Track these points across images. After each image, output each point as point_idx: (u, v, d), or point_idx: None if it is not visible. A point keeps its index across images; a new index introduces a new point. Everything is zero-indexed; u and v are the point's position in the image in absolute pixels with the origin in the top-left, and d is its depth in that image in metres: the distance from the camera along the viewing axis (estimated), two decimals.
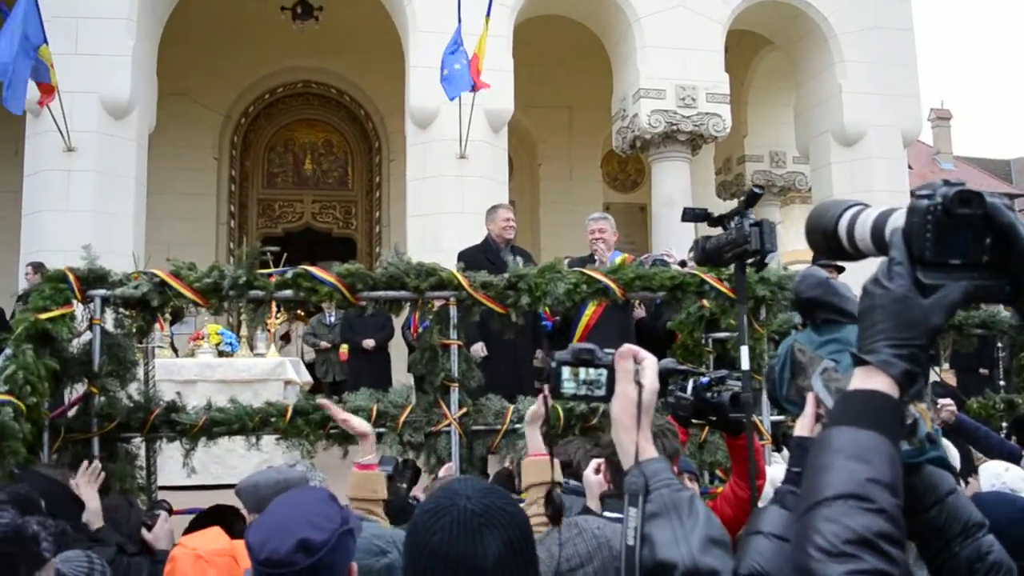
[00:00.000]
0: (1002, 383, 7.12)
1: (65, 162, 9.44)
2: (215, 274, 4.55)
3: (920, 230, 1.11)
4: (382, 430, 4.59)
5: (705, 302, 5.19)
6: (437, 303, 4.87)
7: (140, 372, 4.77)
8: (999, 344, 7.09)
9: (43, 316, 4.14)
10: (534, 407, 3.08)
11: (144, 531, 3.55)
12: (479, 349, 4.98)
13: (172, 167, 13.32)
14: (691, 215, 3.13)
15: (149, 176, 10.40)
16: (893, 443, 1.07)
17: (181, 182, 13.77)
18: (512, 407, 4.83)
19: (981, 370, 8.98)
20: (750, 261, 2.86)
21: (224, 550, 2.54)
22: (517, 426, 4.71)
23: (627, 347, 1.45)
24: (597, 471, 2.93)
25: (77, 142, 9.40)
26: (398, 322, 9.17)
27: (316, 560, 1.79)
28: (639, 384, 1.40)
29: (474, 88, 9.07)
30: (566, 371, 1.49)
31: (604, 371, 1.47)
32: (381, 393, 4.78)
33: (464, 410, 4.71)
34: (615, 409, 1.41)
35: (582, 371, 1.48)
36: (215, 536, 2.63)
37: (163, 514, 3.69)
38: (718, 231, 2.98)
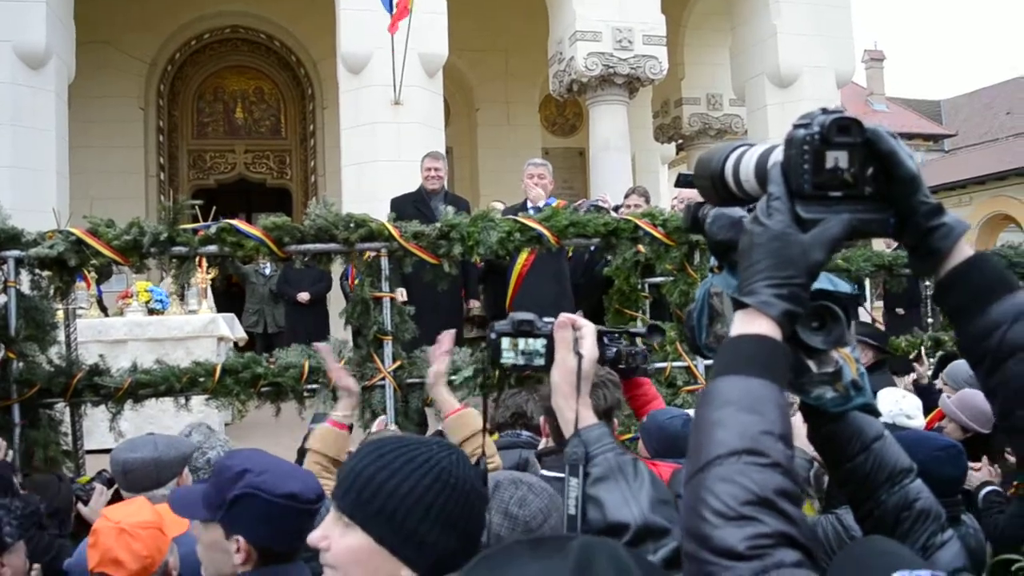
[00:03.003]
0: (930, 321, 7.30)
1: None
2: (134, 231, 4.39)
3: (798, 162, 1.05)
4: (314, 386, 4.52)
5: (640, 247, 5.18)
6: (368, 255, 4.78)
7: (61, 335, 4.61)
8: (926, 283, 7.25)
9: None
10: (434, 367, 3.01)
11: (80, 506, 3.45)
12: (399, 295, 4.92)
13: (96, 119, 12.85)
14: (685, 181, 3.04)
15: (72, 129, 10.00)
16: (780, 389, 1.03)
17: (106, 134, 13.30)
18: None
19: (897, 309, 9.24)
20: None
21: (149, 522, 2.46)
22: (452, 378, 4.67)
23: (565, 316, 1.45)
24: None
25: None
26: (336, 273, 9.04)
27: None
28: (578, 354, 1.40)
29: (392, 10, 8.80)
30: (506, 341, 1.49)
31: (544, 341, 1.47)
32: (312, 348, 4.69)
33: (398, 363, 4.65)
34: (555, 378, 1.42)
35: (521, 341, 1.48)
36: (139, 507, 2.54)
37: (99, 487, 3.57)
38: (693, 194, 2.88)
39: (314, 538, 1.37)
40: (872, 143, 1.06)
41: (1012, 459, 3.96)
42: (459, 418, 2.91)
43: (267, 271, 10.09)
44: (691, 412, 3.22)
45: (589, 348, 1.41)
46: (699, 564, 0.95)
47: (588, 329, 1.43)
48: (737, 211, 2.00)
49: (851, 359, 1.64)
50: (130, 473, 3.01)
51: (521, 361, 1.48)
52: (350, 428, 3.02)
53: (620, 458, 1.35)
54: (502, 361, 1.49)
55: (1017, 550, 2.53)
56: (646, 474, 1.35)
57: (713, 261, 2.09)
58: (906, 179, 1.08)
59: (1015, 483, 3.58)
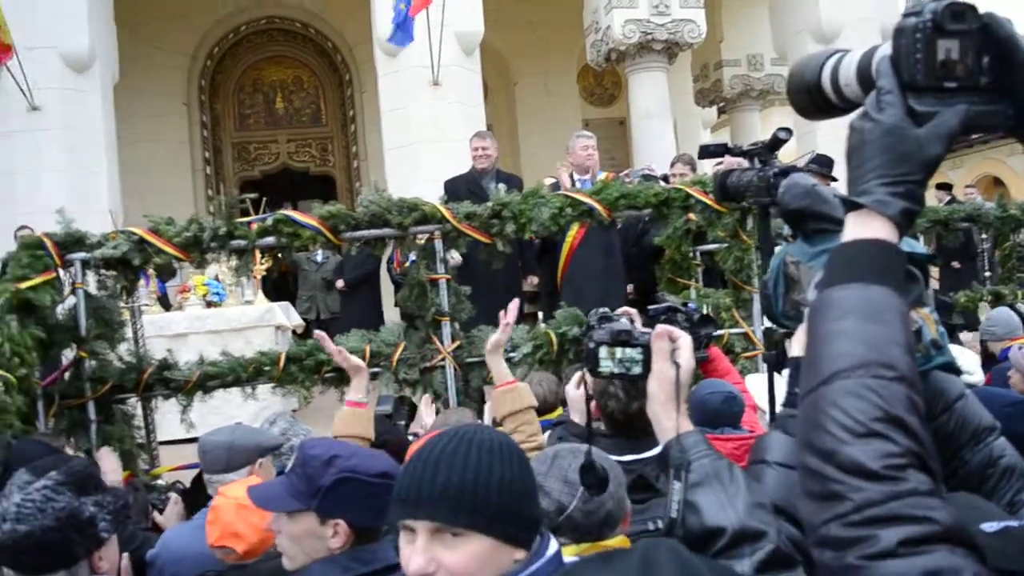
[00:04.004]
0: (987, 275, 7.16)
1: (31, 121, 9.22)
2: (194, 227, 4.48)
3: (909, 52, 0.99)
4: (377, 369, 4.59)
5: (692, 215, 5.15)
6: (422, 238, 4.82)
7: (129, 332, 4.73)
8: (983, 236, 7.11)
9: (23, 285, 4.08)
10: (495, 336, 3.04)
11: (156, 514, 3.56)
12: (453, 256, 4.97)
13: (141, 116, 13.04)
14: (708, 152, 2.98)
15: (119, 128, 10.18)
16: (901, 296, 0.96)
17: (152, 131, 13.50)
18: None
19: (953, 264, 9.05)
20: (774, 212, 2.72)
21: None
22: (511, 355, 4.71)
23: (663, 328, 1.49)
24: (579, 385, 2.92)
25: (41, 99, 9.17)
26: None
27: None
28: (676, 364, 1.45)
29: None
30: (603, 351, 1.52)
31: (640, 350, 1.50)
32: (373, 333, 4.76)
33: (457, 343, 4.70)
34: (652, 387, 1.46)
35: (619, 351, 1.51)
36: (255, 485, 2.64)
37: (174, 496, 3.68)
38: (737, 162, 2.81)
39: (417, 567, 1.29)
40: (988, 29, 0.99)
41: None
42: (511, 391, 2.94)
43: (319, 258, 10.19)
44: (733, 388, 3.23)
45: (686, 359, 1.46)
46: (823, 481, 0.90)
47: (685, 340, 1.48)
48: (809, 179, 1.98)
49: (930, 319, 1.63)
50: (206, 454, 3.11)
51: (618, 370, 1.52)
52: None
53: (716, 463, 1.39)
54: (600, 370, 1.53)
55: None
56: (741, 479, 1.39)
57: (787, 230, 2.07)
58: None
59: None
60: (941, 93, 1.00)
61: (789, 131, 2.59)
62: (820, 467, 0.91)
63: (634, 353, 1.50)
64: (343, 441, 2.08)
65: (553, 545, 1.38)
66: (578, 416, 2.91)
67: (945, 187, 11.41)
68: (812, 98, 1.18)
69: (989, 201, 7.51)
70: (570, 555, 1.79)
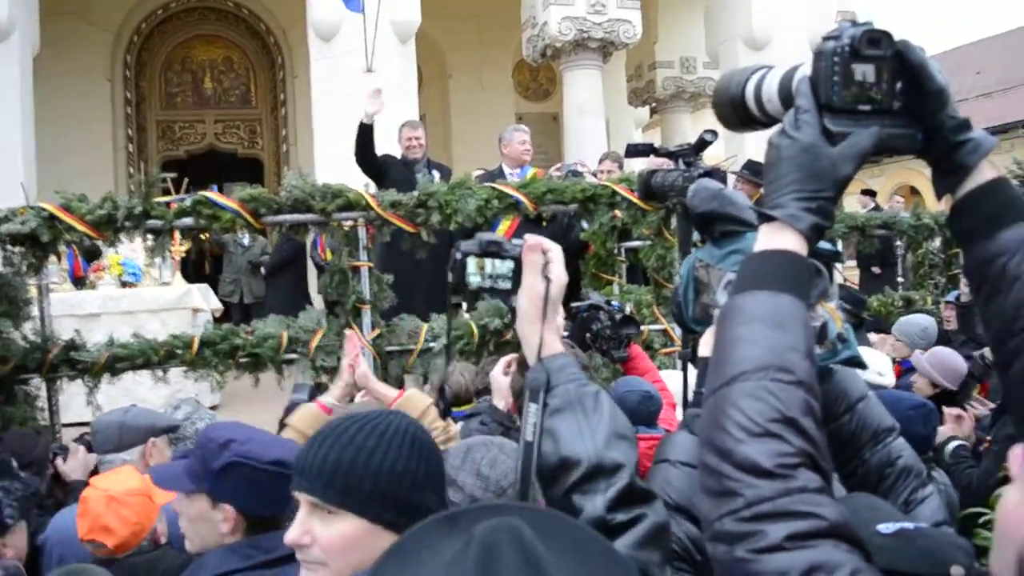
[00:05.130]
0: (901, 280, 7.40)
1: None
2: (108, 205, 4.36)
3: (827, 74, 1.04)
4: (293, 356, 4.52)
5: (617, 212, 5.20)
6: (346, 224, 4.77)
7: (35, 311, 4.57)
8: (898, 243, 7.34)
9: None
10: (360, 369, 2.85)
11: (58, 461, 3.44)
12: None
13: (61, 92, 12.58)
14: (634, 151, 3.00)
15: (37, 103, 9.78)
16: (806, 305, 1.01)
17: (72, 108, 13.03)
18: (426, 326, 4.81)
19: (873, 268, 9.33)
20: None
21: (138, 489, 2.48)
22: (431, 345, 4.70)
23: (535, 239, 1.39)
24: (507, 371, 2.91)
25: None
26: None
27: None
28: (547, 278, 1.35)
29: None
30: (472, 263, 1.43)
31: (511, 264, 1.41)
32: (291, 318, 4.69)
33: (377, 331, 4.66)
34: (521, 302, 1.37)
35: (488, 263, 1.42)
36: (127, 475, 2.56)
37: (76, 446, 3.56)
38: (662, 162, 2.83)
39: (293, 536, 1.33)
40: (902, 56, 1.04)
41: (984, 409, 4.05)
42: (405, 402, 2.89)
43: (245, 241, 10.00)
44: (651, 387, 3.27)
45: (558, 272, 1.36)
46: (719, 478, 0.94)
47: (556, 253, 1.38)
48: (717, 183, 2.01)
49: (836, 313, 1.66)
50: (97, 434, 3.07)
51: (487, 284, 1.43)
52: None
53: (581, 390, 1.31)
54: (468, 283, 1.43)
55: (986, 504, 2.59)
56: (607, 407, 1.30)
57: (696, 235, 2.10)
58: (936, 93, 1.06)
59: (987, 438, 3.66)
60: (855, 115, 1.04)
61: (715, 133, 2.64)
62: (718, 465, 0.94)
63: (504, 266, 1.41)
64: (251, 427, 2.01)
65: None
66: (502, 402, 2.91)
67: (870, 193, 11.73)
68: (736, 111, 1.22)
69: (905, 211, 7.76)
70: None
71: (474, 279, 1.43)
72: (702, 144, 2.65)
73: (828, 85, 1.04)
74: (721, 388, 0.98)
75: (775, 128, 1.10)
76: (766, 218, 1.05)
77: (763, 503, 0.89)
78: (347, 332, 3.36)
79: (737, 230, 1.88)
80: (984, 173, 1.10)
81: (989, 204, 1.09)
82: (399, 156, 7.23)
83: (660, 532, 1.24)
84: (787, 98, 1.12)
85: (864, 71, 1.04)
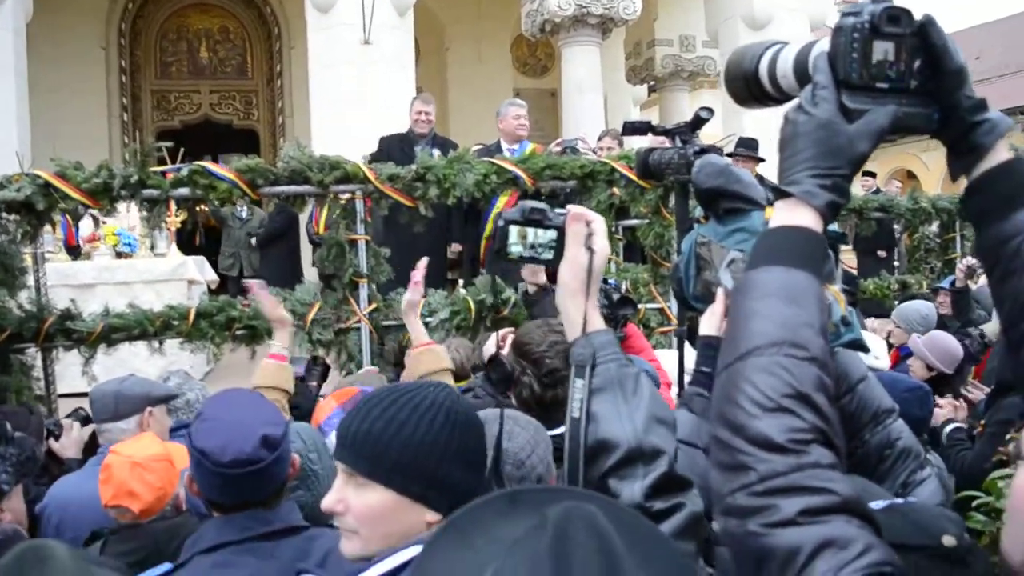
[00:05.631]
0: (896, 264, 7.41)
1: None
2: (104, 173, 4.33)
3: (846, 50, 1.03)
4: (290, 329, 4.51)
5: (615, 190, 5.18)
6: (343, 197, 4.74)
7: (31, 279, 4.54)
8: (896, 227, 7.34)
9: None
10: (408, 295, 3.01)
11: (51, 440, 3.45)
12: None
13: (56, 59, 12.47)
14: (632, 128, 2.98)
15: (31, 70, 9.68)
16: (820, 282, 1.01)
17: (67, 75, 12.90)
18: (423, 300, 4.79)
19: (879, 252, 9.30)
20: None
21: (160, 455, 2.49)
22: (428, 319, 4.69)
23: (578, 209, 1.36)
24: (501, 345, 2.91)
25: None
26: (303, 217, 8.93)
27: (277, 454, 1.86)
28: (590, 249, 1.31)
29: None
30: (513, 232, 1.38)
31: (554, 233, 1.37)
32: (288, 292, 4.67)
33: (374, 305, 4.65)
34: (563, 274, 1.33)
35: (530, 232, 1.38)
36: (149, 442, 2.56)
37: (71, 423, 3.57)
38: (660, 140, 2.81)
39: (328, 503, 1.36)
40: (922, 34, 1.04)
41: (979, 394, 4.06)
42: (427, 352, 2.92)
43: (244, 214, 9.96)
44: (649, 366, 3.27)
45: (601, 244, 1.33)
46: (731, 452, 0.94)
47: (600, 224, 1.34)
48: (724, 159, 2.00)
49: (840, 296, 1.66)
50: (95, 403, 3.06)
51: (528, 253, 1.39)
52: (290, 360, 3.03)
53: (622, 370, 1.27)
54: (508, 251, 1.39)
55: (980, 487, 2.60)
56: (647, 390, 1.28)
57: (699, 211, 2.08)
58: (954, 72, 1.05)
59: (982, 421, 3.68)
60: (873, 92, 1.04)
61: (711, 111, 2.62)
62: (730, 439, 0.94)
63: (547, 236, 1.37)
64: (241, 403, 1.99)
65: None
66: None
67: (870, 173, 11.72)
68: (749, 87, 1.21)
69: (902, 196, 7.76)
70: None
71: (515, 248, 1.39)
72: (698, 121, 2.63)
73: (847, 61, 1.03)
74: (735, 363, 0.98)
75: (792, 103, 1.09)
76: (782, 194, 1.04)
77: (776, 478, 0.90)
78: (249, 283, 3.44)
79: (742, 208, 1.87)
80: (1000, 154, 1.09)
81: (1004, 185, 1.08)
82: (407, 130, 7.19)
83: (696, 522, 1.23)
84: (802, 74, 1.11)
85: (884, 48, 1.03)
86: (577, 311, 1.30)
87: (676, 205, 2.67)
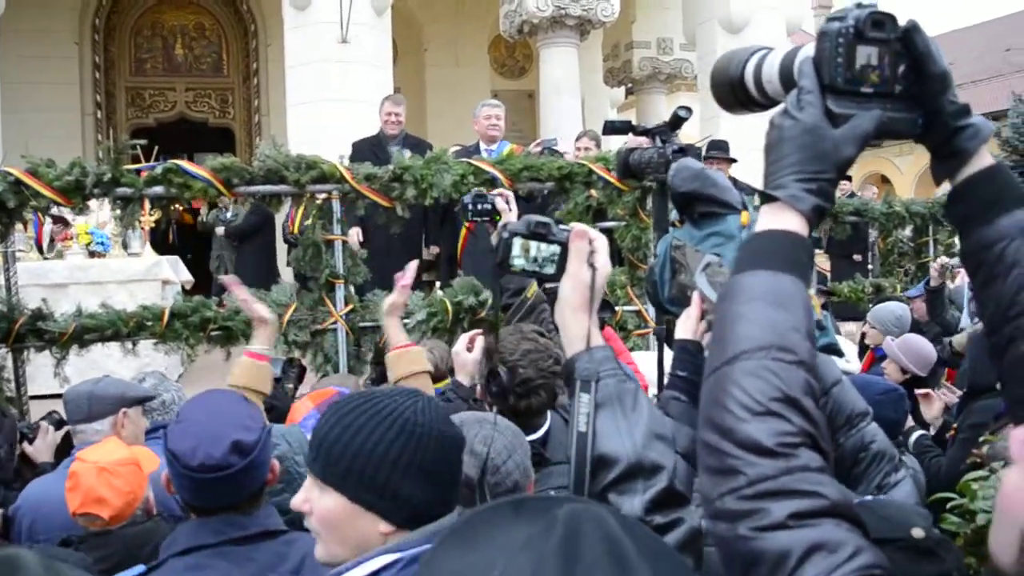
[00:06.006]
0: (870, 268, 7.48)
1: None
2: (77, 171, 4.27)
3: (831, 55, 1.03)
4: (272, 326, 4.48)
5: (593, 192, 5.19)
6: (319, 197, 4.71)
7: (1, 279, 4.48)
8: (870, 230, 7.40)
9: None
10: (392, 297, 3.00)
11: (25, 444, 3.39)
12: (355, 235, 4.87)
13: (28, 55, 12.31)
14: (612, 128, 2.98)
15: (2, 66, 9.57)
16: (806, 286, 1.02)
17: (40, 71, 12.74)
18: None
19: (854, 256, 9.36)
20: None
21: (127, 459, 2.46)
22: (405, 321, 4.66)
23: (582, 227, 1.38)
24: (470, 347, 2.90)
25: None
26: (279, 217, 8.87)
27: (250, 460, 1.83)
28: (592, 267, 1.33)
29: None
30: (517, 244, 1.39)
31: (557, 248, 1.38)
32: (264, 292, 4.63)
33: (350, 307, 4.62)
34: (565, 290, 1.34)
35: (533, 246, 1.38)
36: (114, 447, 2.53)
37: (44, 426, 3.51)
38: (641, 140, 2.81)
39: (296, 502, 1.38)
40: (906, 39, 1.04)
41: (952, 396, 4.11)
42: (405, 354, 2.89)
43: (229, 215, 9.89)
44: (628, 369, 3.26)
45: (603, 262, 1.34)
46: (720, 456, 0.94)
47: (602, 242, 1.36)
48: (698, 163, 1.99)
49: (815, 300, 1.66)
50: (68, 403, 3.03)
51: (530, 267, 1.39)
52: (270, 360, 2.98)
53: (621, 386, 1.29)
54: (512, 264, 1.40)
55: (954, 489, 2.63)
56: (645, 406, 1.29)
57: (675, 215, 2.08)
58: (938, 77, 1.06)
59: (954, 425, 3.71)
60: (858, 97, 1.04)
61: (689, 110, 2.62)
62: (718, 443, 0.94)
63: (550, 250, 1.38)
64: (218, 405, 1.97)
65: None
66: (466, 378, 2.90)
67: (846, 178, 11.80)
68: (735, 93, 1.21)
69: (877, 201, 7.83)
70: None
71: (518, 261, 1.40)
72: (677, 121, 2.63)
73: (832, 66, 1.04)
74: (722, 367, 0.98)
75: (778, 108, 1.09)
76: (767, 198, 1.05)
77: (765, 481, 0.90)
78: (225, 279, 3.35)
79: (717, 212, 1.87)
80: (983, 159, 1.10)
81: (988, 190, 1.09)
82: (377, 132, 7.16)
83: (696, 538, 1.24)
84: (788, 79, 1.12)
85: (868, 53, 1.04)
86: (580, 327, 1.32)
87: (655, 206, 2.67)
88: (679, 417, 1.59)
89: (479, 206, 3.17)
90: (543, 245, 1.38)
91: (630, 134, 2.97)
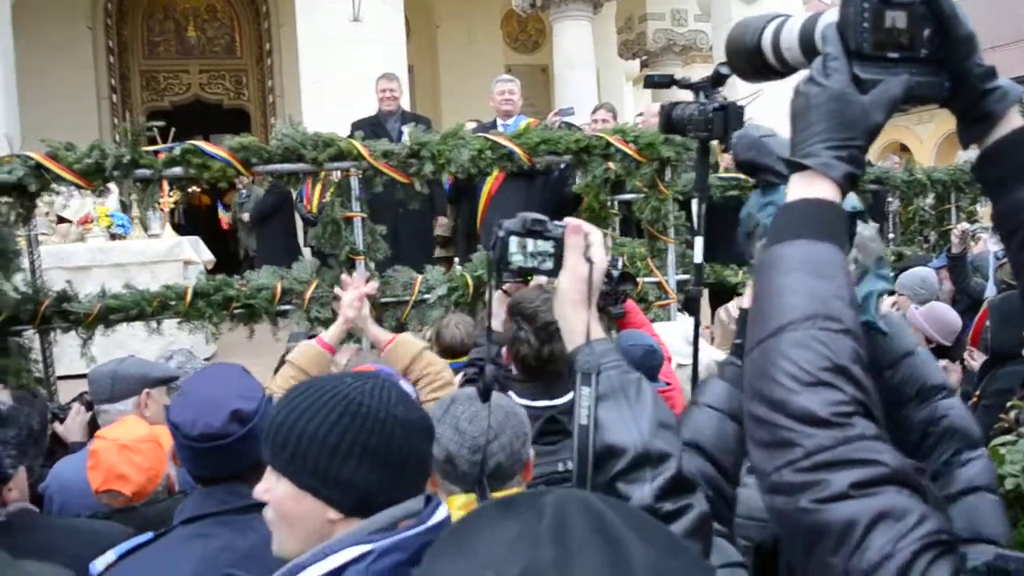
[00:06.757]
0: (891, 236, 7.43)
1: None
2: (96, 153, 4.29)
3: (856, 20, 1.02)
4: (288, 307, 4.51)
5: (611, 164, 5.16)
6: (336, 175, 4.72)
7: (25, 262, 4.52)
8: (889, 199, 7.35)
9: None
10: (362, 312, 2.98)
11: (56, 424, 3.44)
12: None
13: (42, 41, 12.33)
14: (653, 82, 2.94)
15: (17, 52, 9.59)
16: (844, 253, 1.01)
17: (54, 56, 12.76)
18: (420, 277, 4.79)
19: (872, 223, 9.29)
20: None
21: (147, 436, 2.48)
22: (426, 296, 4.69)
23: (576, 222, 1.38)
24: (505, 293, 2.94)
25: None
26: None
27: (249, 429, 1.84)
28: (589, 260, 1.33)
29: None
30: (514, 242, 1.39)
31: (553, 243, 1.38)
32: (285, 270, 4.66)
33: (369, 289, 4.63)
34: (563, 285, 1.35)
35: (530, 242, 1.39)
36: (134, 424, 2.56)
37: (76, 406, 3.55)
38: (685, 94, 2.78)
39: (258, 492, 1.34)
40: (932, 3, 1.03)
41: (974, 364, 4.09)
42: (396, 347, 2.90)
43: (244, 194, 9.93)
44: (653, 341, 3.27)
45: (599, 256, 1.35)
46: (772, 429, 0.93)
47: (597, 236, 1.37)
48: (760, 128, 1.97)
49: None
50: (93, 383, 3.07)
51: (529, 264, 1.40)
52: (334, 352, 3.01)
53: (624, 377, 1.29)
54: (510, 261, 1.40)
55: None
56: (649, 395, 1.29)
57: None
58: (964, 40, 1.04)
59: (976, 393, 3.70)
60: (884, 62, 1.03)
61: (729, 67, 2.57)
62: (769, 415, 0.94)
63: (547, 246, 1.38)
64: (224, 377, 1.98)
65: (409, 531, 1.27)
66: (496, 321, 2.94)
67: None
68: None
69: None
70: (457, 506, 1.76)
71: (516, 258, 1.40)
72: (719, 78, 2.59)
73: (858, 31, 1.02)
74: (768, 339, 0.97)
75: (802, 76, 1.08)
76: (797, 167, 1.04)
77: (822, 452, 0.89)
78: (344, 278, 3.33)
79: (773, 181, 1.86)
80: (1013, 120, 1.09)
81: (1021, 151, 1.08)
82: (376, 112, 7.15)
83: (705, 523, 1.24)
84: (809, 46, 1.11)
85: (893, 17, 1.03)
86: (579, 320, 1.32)
87: (697, 163, 2.64)
88: (732, 380, 1.58)
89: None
90: (540, 242, 1.39)
91: (672, 87, 2.93)
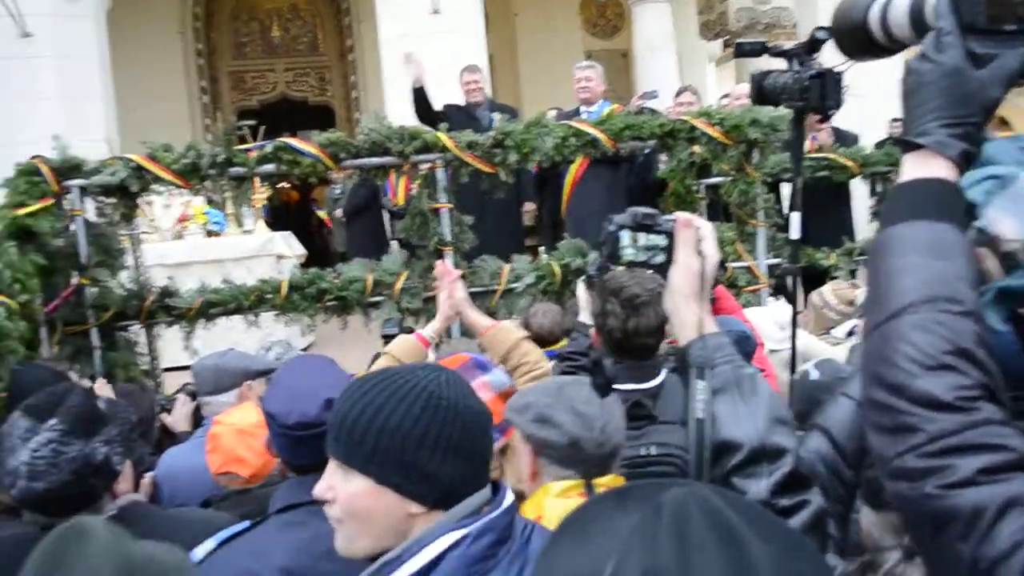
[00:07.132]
0: None
1: (24, 48, 9.03)
2: (192, 154, 4.45)
3: None
4: (379, 298, 4.59)
5: (696, 148, 5.10)
6: (423, 167, 4.79)
7: (129, 260, 4.72)
8: None
9: (21, 212, 4.05)
10: (457, 296, 2.90)
11: (164, 415, 3.58)
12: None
13: (135, 45, 12.78)
14: (744, 51, 2.83)
15: (112, 57, 9.98)
16: (963, 233, 0.98)
17: (146, 61, 13.24)
18: (508, 266, 4.82)
19: None
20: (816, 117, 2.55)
21: (262, 422, 2.56)
22: (514, 285, 4.72)
23: (687, 215, 1.37)
24: (590, 286, 2.96)
25: (33, 26, 8.96)
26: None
27: None
28: (701, 254, 1.33)
29: None
30: (625, 236, 1.38)
31: (665, 238, 1.37)
32: (375, 262, 4.75)
33: (460, 273, 4.68)
34: (675, 278, 1.33)
35: (641, 236, 1.38)
36: (250, 410, 2.65)
37: (182, 397, 3.69)
38: (778, 63, 2.68)
39: (319, 491, 1.32)
40: None
41: None
42: (496, 333, 2.88)
43: (337, 192, 10.16)
44: (746, 327, 3.21)
45: (712, 250, 1.34)
46: (893, 414, 0.91)
47: (709, 230, 1.35)
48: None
49: None
50: (197, 376, 3.17)
51: (641, 257, 1.38)
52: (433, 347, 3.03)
53: (739, 371, 1.27)
54: (622, 256, 1.39)
55: None
56: (765, 391, 1.27)
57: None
58: None
59: None
60: (1000, 36, 1.00)
61: (828, 30, 2.47)
62: (890, 400, 0.92)
63: (658, 240, 1.36)
64: (316, 369, 2.02)
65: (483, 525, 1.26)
66: (587, 317, 3.02)
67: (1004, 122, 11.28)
68: (858, 38, 1.17)
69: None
70: (555, 494, 1.78)
71: (628, 252, 1.39)
72: (815, 43, 2.47)
73: (971, 5, 0.99)
74: (887, 322, 0.95)
75: (912, 53, 1.05)
76: (911, 146, 1.01)
77: (948, 437, 0.87)
78: (436, 265, 3.34)
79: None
80: None
81: None
82: (464, 103, 7.21)
83: (821, 519, 1.23)
84: (919, 22, 1.07)
85: None
86: (691, 314, 1.31)
87: (792, 134, 2.52)
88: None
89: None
90: (651, 236, 1.37)
91: (764, 55, 2.83)
